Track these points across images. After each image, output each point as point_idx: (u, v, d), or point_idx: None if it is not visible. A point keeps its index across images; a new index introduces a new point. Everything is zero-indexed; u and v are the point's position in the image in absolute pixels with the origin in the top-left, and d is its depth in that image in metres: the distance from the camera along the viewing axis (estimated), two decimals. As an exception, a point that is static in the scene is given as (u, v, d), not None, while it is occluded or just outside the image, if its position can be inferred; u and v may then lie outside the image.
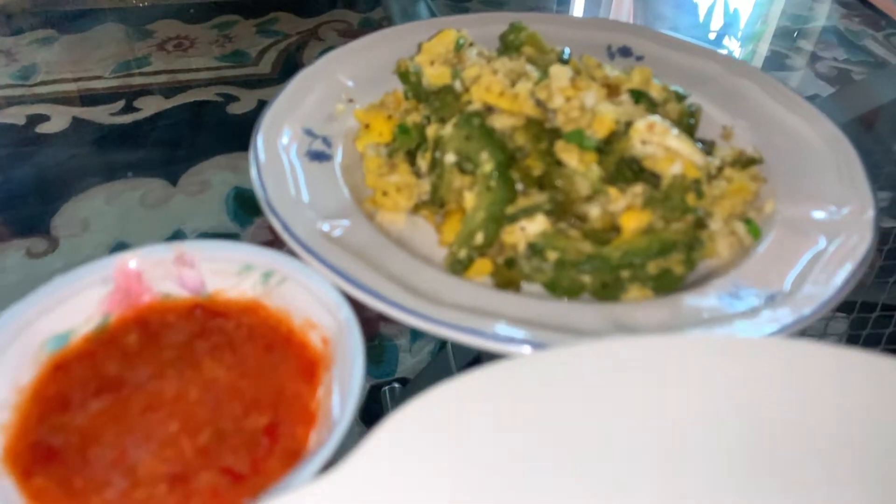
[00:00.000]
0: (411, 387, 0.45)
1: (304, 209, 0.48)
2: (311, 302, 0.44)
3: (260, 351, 0.43)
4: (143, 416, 0.39)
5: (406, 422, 0.35)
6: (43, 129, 0.72)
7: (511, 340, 0.39)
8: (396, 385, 0.44)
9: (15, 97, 0.77)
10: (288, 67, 0.81)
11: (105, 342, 0.44)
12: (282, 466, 0.38)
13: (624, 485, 0.34)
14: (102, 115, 0.75)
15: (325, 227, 0.47)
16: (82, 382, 0.41)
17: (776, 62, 0.94)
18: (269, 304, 0.46)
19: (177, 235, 0.57)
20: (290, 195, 0.49)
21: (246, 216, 0.54)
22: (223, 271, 0.46)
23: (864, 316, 0.56)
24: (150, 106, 0.76)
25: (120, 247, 0.59)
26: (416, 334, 0.46)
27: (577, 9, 1.13)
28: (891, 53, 0.96)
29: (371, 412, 0.43)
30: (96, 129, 0.72)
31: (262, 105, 0.69)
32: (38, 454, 0.37)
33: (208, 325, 0.45)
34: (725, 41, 0.99)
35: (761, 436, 0.35)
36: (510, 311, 0.42)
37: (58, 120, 0.74)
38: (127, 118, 0.74)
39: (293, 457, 0.38)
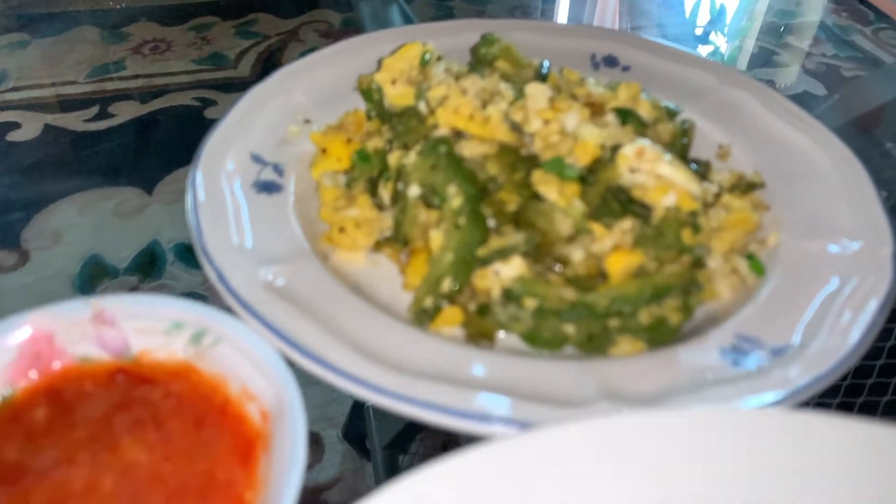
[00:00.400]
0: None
1: (246, 255, 0.42)
2: (249, 367, 0.38)
3: (189, 426, 0.37)
4: (46, 513, 0.33)
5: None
6: (13, 136, 0.69)
7: (487, 419, 0.34)
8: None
9: (-17, 105, 0.74)
10: (267, 70, 0.78)
11: (7, 419, 0.37)
12: (208, 576, 0.31)
13: None
14: (75, 121, 0.71)
15: (268, 276, 0.41)
16: (-24, 471, 0.35)
17: (764, 58, 0.91)
18: (202, 367, 0.39)
19: (152, 247, 0.55)
20: (230, 239, 0.43)
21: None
22: (149, 330, 0.40)
23: (878, 344, 0.51)
24: (125, 112, 0.73)
25: (93, 260, 0.55)
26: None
27: (563, 4, 1.08)
28: (879, 49, 0.94)
29: (354, 430, 0.39)
30: (69, 137, 0.69)
31: None
32: None
33: (131, 394, 0.39)
34: (712, 37, 0.97)
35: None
36: (484, 375, 0.36)
37: (29, 127, 0.70)
38: (101, 125, 0.71)
39: (223, 563, 0.32)
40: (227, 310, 0.39)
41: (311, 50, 0.74)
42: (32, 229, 0.57)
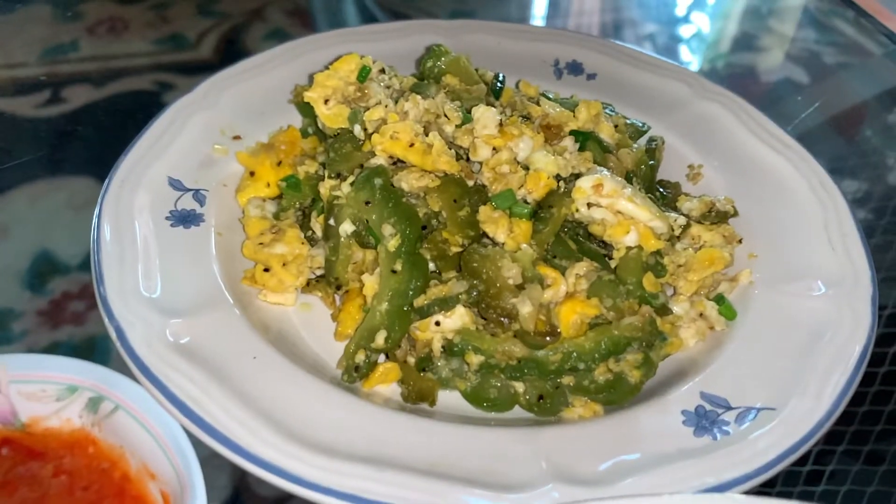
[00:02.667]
0: None
1: (151, 306, 0.37)
2: (150, 441, 0.33)
3: (81, 512, 0.33)
4: None
5: None
6: None
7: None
8: None
9: (-78, 88, 0.68)
10: (229, 52, 0.73)
11: None
12: None
13: None
14: (26, 107, 0.66)
15: (175, 332, 0.36)
16: None
17: (746, 43, 0.88)
18: (99, 437, 0.34)
19: None
20: (137, 286, 0.38)
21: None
22: (39, 395, 0.35)
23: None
24: (78, 96, 0.67)
25: (43, 256, 0.50)
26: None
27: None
28: (861, 34, 0.92)
29: None
30: (19, 123, 0.64)
31: None
32: None
33: (16, 471, 0.34)
34: (693, 17, 0.94)
35: None
36: (419, 453, 0.32)
37: None
38: (53, 110, 0.65)
39: None
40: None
41: (276, 31, 0.68)
42: None
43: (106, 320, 0.36)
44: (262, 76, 0.53)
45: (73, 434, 0.35)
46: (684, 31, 0.88)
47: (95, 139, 0.61)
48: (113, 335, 0.36)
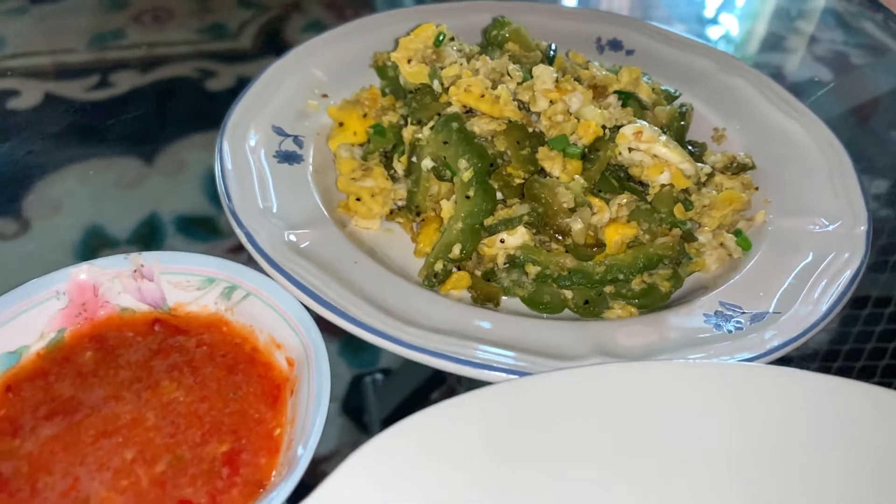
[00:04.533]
0: (393, 378, 0.43)
1: (272, 218, 0.46)
2: (276, 319, 0.42)
3: (222, 371, 0.41)
4: (97, 442, 0.37)
5: (375, 455, 0.34)
6: (13, 104, 0.67)
7: (490, 367, 0.37)
8: (378, 376, 0.42)
9: (-17, 71, 0.73)
10: (269, 42, 0.77)
11: (59, 360, 0.41)
12: (242, 498, 0.36)
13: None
14: (76, 90, 0.69)
15: (293, 238, 0.45)
16: (34, 405, 0.39)
17: (773, 43, 0.90)
18: (231, 319, 0.43)
19: (152, 218, 0.53)
20: (257, 203, 0.46)
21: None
22: (184, 284, 0.44)
23: (855, 312, 0.54)
24: (125, 81, 0.70)
25: (94, 230, 0.54)
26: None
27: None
28: (888, 36, 0.94)
29: (353, 404, 0.42)
30: (69, 106, 0.66)
31: (241, 82, 0.66)
32: (-17, 484, 0.35)
33: (168, 342, 0.43)
34: (722, 19, 0.97)
35: (742, 460, 0.34)
36: (488, 331, 0.40)
37: (29, 95, 0.69)
38: (101, 94, 0.68)
39: (255, 487, 0.36)
40: (256, 268, 0.43)
41: (314, 23, 0.74)
42: (33, 198, 0.55)
43: (236, 228, 0.45)
44: (344, 44, 0.62)
45: (210, 317, 0.44)
46: (712, 32, 0.91)
47: (141, 122, 0.64)
48: (244, 239, 0.44)
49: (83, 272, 0.42)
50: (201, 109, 0.66)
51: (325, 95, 0.58)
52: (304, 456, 0.34)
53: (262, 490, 0.36)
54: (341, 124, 0.55)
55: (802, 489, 0.33)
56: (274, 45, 0.74)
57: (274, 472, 0.36)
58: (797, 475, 0.33)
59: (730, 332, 0.41)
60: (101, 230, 0.53)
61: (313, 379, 0.37)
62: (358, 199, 0.50)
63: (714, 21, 0.94)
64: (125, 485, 0.36)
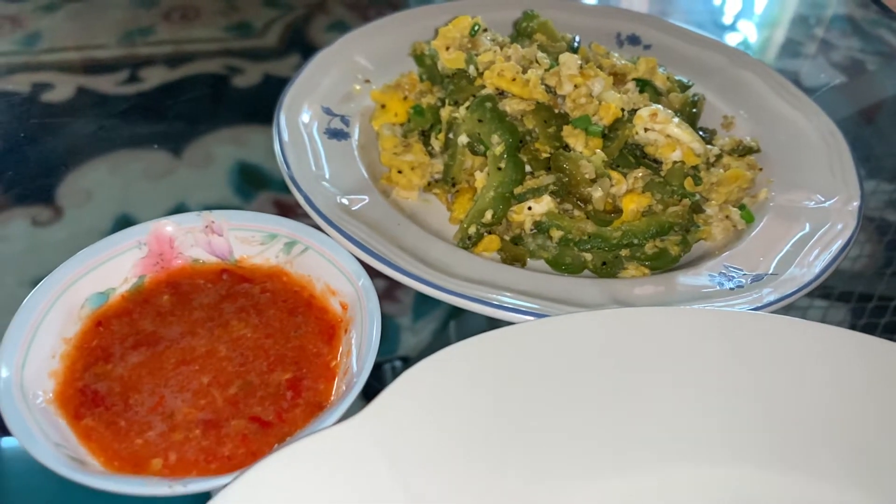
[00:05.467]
0: (411, 365, 0.47)
1: (325, 184, 0.51)
2: (331, 270, 0.47)
3: (283, 314, 0.47)
4: (178, 368, 0.43)
5: (420, 376, 0.39)
6: (47, 97, 0.71)
7: (517, 310, 0.43)
8: (398, 363, 0.47)
9: (20, 64, 0.75)
10: (294, 40, 0.79)
11: (140, 302, 0.47)
12: (305, 416, 0.41)
13: (613, 441, 0.38)
14: (107, 84, 0.71)
15: (345, 202, 0.50)
16: (121, 337, 0.45)
17: (791, 49, 0.92)
18: (291, 271, 0.49)
19: (180, 209, 0.55)
20: (311, 171, 0.52)
21: (250, 190, 0.54)
22: (249, 239, 0.50)
23: (861, 305, 0.58)
24: (154, 77, 0.72)
25: (123, 219, 0.56)
26: (418, 313, 0.49)
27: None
28: None
29: (373, 390, 0.47)
30: (101, 99, 0.69)
31: (267, 79, 0.70)
32: (85, 398, 0.41)
33: (235, 288, 0.49)
34: (740, 26, 0.99)
35: (742, 400, 0.39)
36: (516, 284, 0.46)
37: (62, 88, 0.71)
38: (131, 88, 0.70)
39: (316, 408, 0.42)
40: (313, 226, 0.49)
41: (338, 23, 0.76)
42: (66, 187, 0.57)
43: (295, 192, 0.51)
44: (386, 34, 0.67)
45: (271, 269, 0.50)
46: (731, 38, 0.92)
47: (169, 116, 0.66)
48: (302, 201, 0.50)
49: (163, 226, 0.48)
50: (228, 105, 0.69)
51: (367, 81, 0.64)
52: (359, 380, 0.40)
53: (322, 410, 0.41)
54: (383, 106, 0.61)
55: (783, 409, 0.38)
56: (299, 43, 0.76)
57: (332, 396, 0.42)
58: (782, 404, 0.38)
59: (731, 289, 0.46)
60: (130, 219, 0.55)
61: (366, 317, 0.43)
62: (399, 172, 0.55)
63: (733, 27, 0.96)
64: (203, 403, 0.42)
